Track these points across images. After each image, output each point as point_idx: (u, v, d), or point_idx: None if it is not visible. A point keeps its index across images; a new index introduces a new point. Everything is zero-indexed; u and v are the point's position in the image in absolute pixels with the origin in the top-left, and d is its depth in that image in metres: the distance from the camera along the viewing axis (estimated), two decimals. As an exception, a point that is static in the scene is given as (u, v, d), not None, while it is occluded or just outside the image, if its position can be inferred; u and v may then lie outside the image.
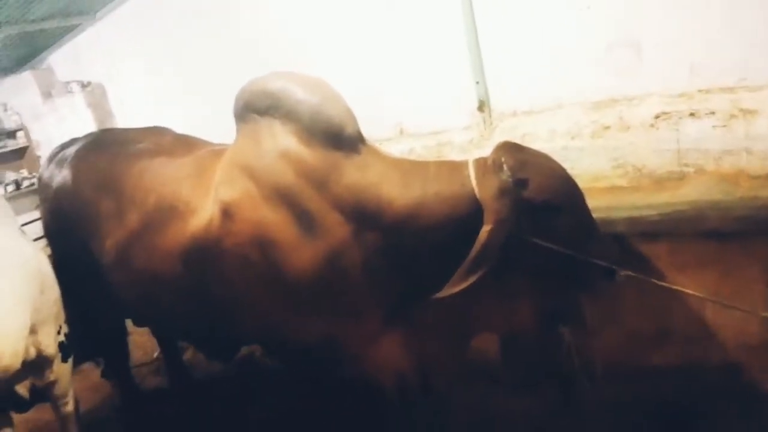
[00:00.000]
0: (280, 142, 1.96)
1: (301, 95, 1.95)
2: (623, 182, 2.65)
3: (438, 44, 3.05)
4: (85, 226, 2.43)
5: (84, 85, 4.83)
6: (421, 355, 2.11)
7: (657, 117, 2.52)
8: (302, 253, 1.91)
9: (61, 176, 2.56)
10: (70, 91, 4.85)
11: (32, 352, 2.28)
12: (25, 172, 5.45)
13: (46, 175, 2.71)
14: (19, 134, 5.48)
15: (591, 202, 1.98)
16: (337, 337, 2.05)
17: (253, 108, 2.02)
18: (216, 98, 4.09)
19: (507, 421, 2.47)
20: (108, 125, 4.78)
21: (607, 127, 2.65)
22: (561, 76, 2.77)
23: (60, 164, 2.62)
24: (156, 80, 4.52)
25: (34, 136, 5.50)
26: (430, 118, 3.15)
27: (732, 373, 2.11)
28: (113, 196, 2.34)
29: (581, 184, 1.93)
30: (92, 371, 3.42)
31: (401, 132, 3.33)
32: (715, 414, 2.03)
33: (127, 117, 4.80)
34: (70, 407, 2.66)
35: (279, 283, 1.95)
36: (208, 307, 2.15)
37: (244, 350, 3.29)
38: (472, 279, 1.78)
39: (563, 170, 1.89)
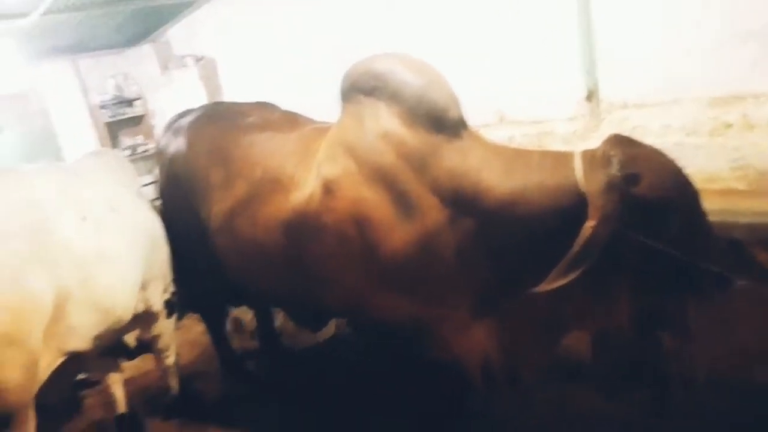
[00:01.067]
0: (383, 123, 1.98)
1: (407, 77, 1.96)
2: (742, 185, 2.46)
3: (547, 29, 2.94)
4: (196, 192, 2.58)
5: (198, 59, 5.12)
6: (510, 346, 2.09)
7: (788, 116, 2.32)
8: (397, 234, 1.93)
9: (177, 144, 2.74)
10: (185, 65, 5.16)
11: (141, 307, 2.48)
12: (140, 139, 5.85)
13: (163, 142, 2.90)
14: (137, 103, 5.88)
15: (705, 205, 1.87)
16: (426, 319, 2.06)
17: (359, 88, 2.05)
18: (320, 78, 4.21)
19: (590, 422, 2.41)
20: (217, 98, 5.03)
21: (729, 125, 2.46)
22: (678, 69, 2.60)
23: (176, 133, 2.79)
24: (264, 57, 4.69)
25: (150, 106, 5.90)
26: (532, 106, 3.06)
27: None
28: (223, 166, 2.47)
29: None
30: (193, 326, 3.64)
31: (501, 119, 3.27)
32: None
33: (234, 91, 5.03)
34: (171, 360, 2.87)
35: (373, 261, 1.99)
36: (303, 277, 2.23)
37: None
38: (572, 276, 1.73)
39: (678, 168, 1.78)
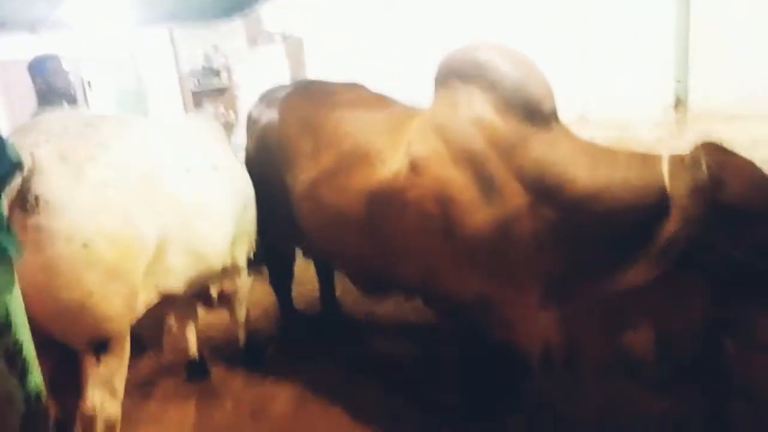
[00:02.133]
0: (476, 109, 2.07)
1: (506, 68, 2.04)
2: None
3: (641, 30, 2.94)
4: (285, 160, 2.75)
5: (285, 37, 5.31)
6: (573, 336, 2.15)
7: None
8: (478, 215, 2.02)
9: (270, 114, 2.91)
10: (273, 41, 5.37)
11: (229, 261, 2.67)
12: (222, 108, 6.13)
13: (255, 112, 3.08)
14: (223, 74, 6.16)
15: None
16: (494, 299, 2.15)
17: (458, 74, 2.15)
18: (404, 64, 4.31)
19: (642, 422, 2.44)
20: (300, 76, 5.21)
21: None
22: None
23: (270, 104, 2.97)
24: (349, 38, 4.83)
25: (234, 78, 6.16)
26: (616, 109, 3.07)
27: None
28: (313, 137, 2.62)
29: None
30: (258, 286, 3.83)
31: (582, 118, 3.28)
32: None
33: (317, 70, 5.20)
34: (243, 314, 3.07)
35: (451, 239, 2.09)
36: (380, 248, 2.36)
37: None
38: (650, 275, 1.78)
39: (766, 177, 1.79)
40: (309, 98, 2.79)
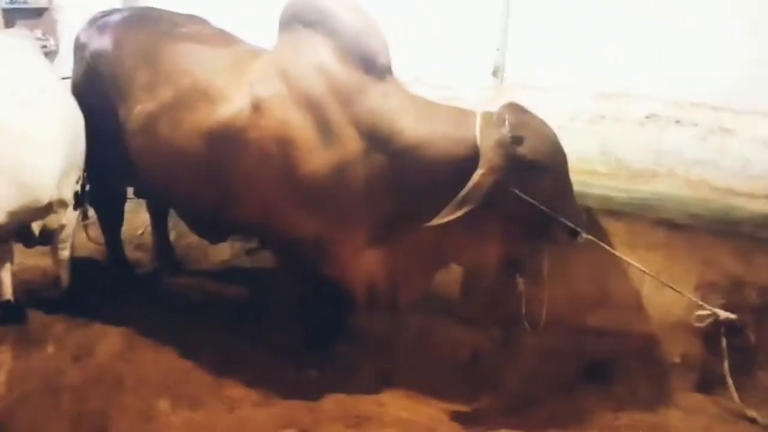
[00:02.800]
0: (319, 55, 2.18)
1: (347, 17, 2.17)
2: (604, 169, 2.93)
3: (471, 4, 3.23)
4: (118, 90, 2.62)
5: (118, -42, 4.84)
6: (396, 272, 2.40)
7: (647, 117, 2.79)
8: (316, 157, 2.16)
9: (102, 41, 2.73)
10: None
11: (56, 195, 2.51)
12: (39, 33, 5.46)
13: (84, 36, 2.85)
14: (42, -8, 5.47)
15: (573, 176, 2.28)
16: (327, 238, 2.32)
17: (300, 19, 2.23)
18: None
19: (449, 349, 2.78)
20: (129, 4, 4.82)
21: (603, 117, 2.91)
22: (576, 63, 3.00)
23: (102, 29, 2.77)
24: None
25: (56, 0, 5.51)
26: (445, 73, 3.36)
27: (649, 342, 2.49)
28: (150, 69, 2.53)
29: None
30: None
31: (417, 80, 3.53)
32: (628, 373, 2.40)
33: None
34: (67, 253, 2.91)
35: (290, 179, 2.20)
36: (219, 188, 2.40)
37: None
38: (458, 214, 2.06)
39: (556, 138, 2.16)
40: (147, 27, 2.67)
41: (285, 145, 2.17)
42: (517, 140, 2.05)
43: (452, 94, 3.35)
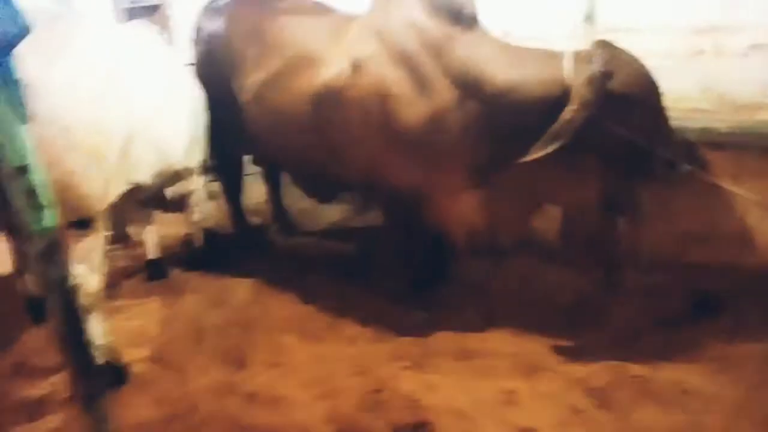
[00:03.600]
0: (409, 13, 2.33)
1: (431, -26, 2.30)
2: (705, 106, 2.87)
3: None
4: (231, 67, 2.93)
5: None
6: (493, 216, 2.53)
7: (752, 47, 2.69)
8: (414, 108, 2.33)
9: (215, 24, 3.05)
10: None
11: (185, 163, 2.87)
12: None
13: (200, 22, 3.20)
14: (155, -8, 6.04)
15: (672, 115, 2.27)
16: (427, 185, 2.49)
17: (389, -19, 2.39)
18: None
19: (550, 292, 2.86)
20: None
21: (702, 52, 2.84)
22: (666, 1, 2.95)
23: (213, 13, 3.10)
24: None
25: (168, -3, 6.05)
26: (535, 25, 3.39)
27: (758, 273, 2.44)
28: (258, 44, 2.81)
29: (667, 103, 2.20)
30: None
31: (506, 33, 3.58)
32: (737, 305, 2.39)
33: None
34: (197, 216, 3.30)
35: (389, 131, 2.39)
36: (325, 146, 2.63)
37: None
38: (550, 149, 2.14)
39: (647, 70, 2.18)
40: (252, 6, 2.96)
41: (383, 100, 2.35)
42: (607, 75, 2.09)
43: (545, 46, 3.39)
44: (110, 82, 2.16)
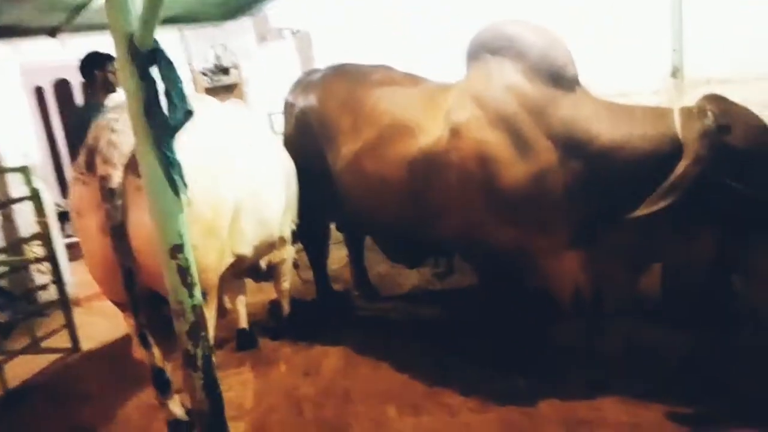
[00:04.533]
0: (508, 77, 2.36)
1: (532, 39, 2.33)
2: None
3: (639, 7, 3.24)
4: (326, 137, 3.02)
5: (294, 32, 5.56)
6: (600, 276, 2.44)
7: None
8: (515, 170, 2.31)
9: (308, 98, 3.17)
10: (282, 37, 5.62)
11: (278, 232, 2.93)
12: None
13: (292, 97, 3.34)
14: (233, 71, 6.40)
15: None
16: (529, 246, 2.44)
17: (488, 48, 2.44)
18: (409, 52, 4.57)
19: (658, 354, 2.70)
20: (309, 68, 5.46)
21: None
22: (760, 48, 2.88)
23: (307, 88, 3.23)
24: (355, 31, 5.10)
25: (244, 74, 6.40)
26: (619, 79, 3.37)
27: None
28: (352, 115, 2.89)
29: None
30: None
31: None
32: None
33: (325, 63, 5.44)
34: (287, 284, 3.33)
35: (490, 192, 2.37)
36: (422, 210, 2.64)
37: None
38: (662, 204, 2.08)
39: (763, 122, 2.10)
40: (345, 79, 3.07)
41: (484, 162, 2.36)
42: (723, 129, 2.03)
43: (629, 101, 3.36)
44: (221, 158, 2.25)
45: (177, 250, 1.28)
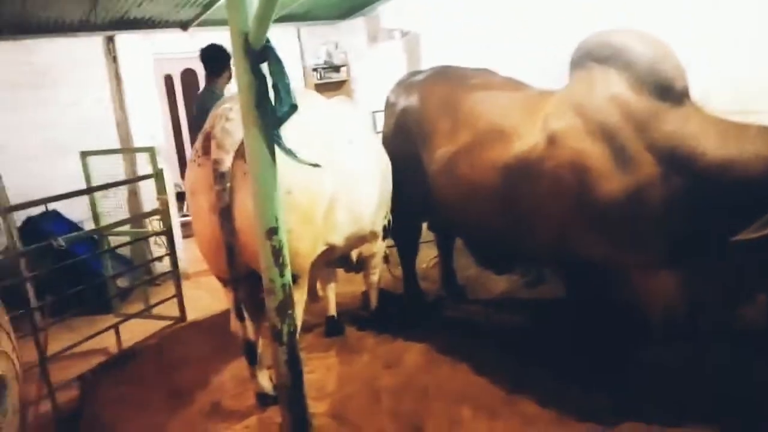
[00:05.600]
0: (612, 87, 2.30)
1: (640, 50, 2.26)
2: None
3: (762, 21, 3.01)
4: (423, 137, 3.08)
5: (404, 33, 5.68)
6: (696, 297, 2.32)
7: None
8: (612, 183, 2.25)
9: (409, 98, 3.25)
10: (392, 38, 5.76)
11: (370, 226, 3.04)
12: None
13: (393, 96, 3.44)
14: (343, 69, 6.64)
15: None
16: (622, 260, 2.36)
17: (593, 57, 2.39)
18: (513, 58, 4.51)
19: (753, 386, 2.50)
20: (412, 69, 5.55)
21: None
22: None
23: (408, 88, 3.31)
24: (464, 33, 5.11)
25: (353, 73, 6.63)
26: (741, 96, 3.14)
27: None
28: (450, 117, 2.94)
29: None
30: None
31: (741, 110, 3.35)
32: None
33: (433, 64, 5.51)
34: (376, 277, 3.44)
35: (584, 204, 2.33)
36: (512, 217, 2.63)
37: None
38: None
39: None
40: (446, 82, 3.12)
41: (580, 172, 2.32)
42: None
43: (749, 120, 3.13)
44: (322, 150, 2.38)
45: (272, 232, 1.40)
